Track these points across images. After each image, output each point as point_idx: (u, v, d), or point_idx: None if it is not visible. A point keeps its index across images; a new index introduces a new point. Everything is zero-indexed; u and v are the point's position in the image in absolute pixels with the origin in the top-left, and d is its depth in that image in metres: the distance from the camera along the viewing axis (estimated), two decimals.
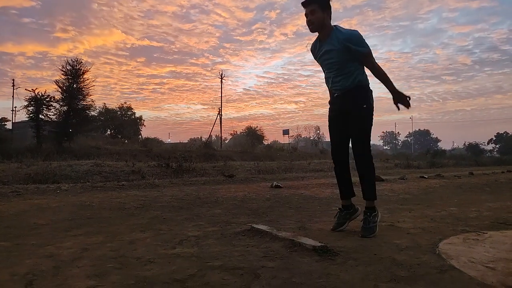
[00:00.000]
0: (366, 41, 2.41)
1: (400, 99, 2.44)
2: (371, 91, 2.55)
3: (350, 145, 2.57)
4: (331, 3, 2.44)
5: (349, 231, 2.57)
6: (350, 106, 2.48)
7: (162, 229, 2.67)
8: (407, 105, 2.42)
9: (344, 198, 2.63)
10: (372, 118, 2.52)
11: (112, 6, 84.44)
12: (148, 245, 2.18)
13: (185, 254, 1.96)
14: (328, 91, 2.66)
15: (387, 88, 2.47)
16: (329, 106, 2.67)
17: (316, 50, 2.58)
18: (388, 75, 2.46)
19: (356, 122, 2.48)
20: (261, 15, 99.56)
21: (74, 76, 20.89)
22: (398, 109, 2.46)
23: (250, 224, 2.71)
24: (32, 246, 2.15)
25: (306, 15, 2.47)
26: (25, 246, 2.15)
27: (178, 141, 40.67)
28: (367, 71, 2.54)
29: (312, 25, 2.45)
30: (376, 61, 2.47)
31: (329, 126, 2.64)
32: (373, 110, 2.51)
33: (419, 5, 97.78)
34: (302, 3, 2.46)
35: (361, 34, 2.40)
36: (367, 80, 2.55)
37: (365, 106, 2.47)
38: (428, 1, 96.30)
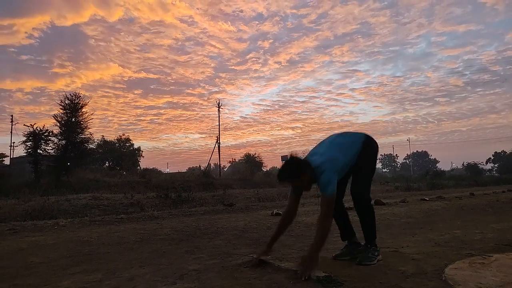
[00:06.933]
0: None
1: (306, 264, 2.09)
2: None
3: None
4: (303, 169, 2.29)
5: (354, 259, 2.52)
6: None
7: (162, 263, 2.61)
8: (303, 274, 2.02)
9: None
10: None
11: (109, 41, 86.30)
12: (147, 281, 2.13)
13: None
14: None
15: (311, 246, 2.22)
16: None
17: None
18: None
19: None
20: (255, 45, 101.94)
21: (72, 110, 21.10)
22: (300, 276, 2.03)
23: (251, 255, 2.67)
24: (29, 287, 2.09)
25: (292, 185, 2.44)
26: (22, 287, 2.10)
27: (177, 171, 40.47)
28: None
29: (306, 188, 2.42)
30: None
31: None
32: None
33: (408, 30, 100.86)
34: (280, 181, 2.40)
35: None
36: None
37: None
38: (416, 26, 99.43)
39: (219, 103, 37.63)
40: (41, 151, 20.89)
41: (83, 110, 21.50)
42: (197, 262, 2.61)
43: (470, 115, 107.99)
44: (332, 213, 2.26)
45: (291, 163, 2.35)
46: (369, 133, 2.63)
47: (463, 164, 53.52)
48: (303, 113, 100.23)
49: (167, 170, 46.79)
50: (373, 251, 2.43)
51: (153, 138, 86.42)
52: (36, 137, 20.58)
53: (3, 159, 38.07)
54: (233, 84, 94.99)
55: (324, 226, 2.23)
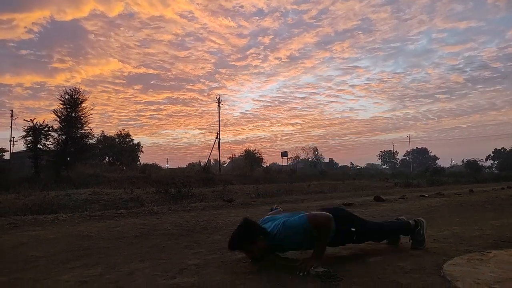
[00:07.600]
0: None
1: (306, 261, 2.12)
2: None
3: None
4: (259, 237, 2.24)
5: (353, 254, 2.53)
6: None
7: (161, 258, 2.62)
8: (302, 269, 2.04)
9: None
10: None
11: (109, 36, 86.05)
12: (147, 275, 2.14)
13: (185, 284, 1.92)
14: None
15: (315, 248, 2.20)
16: None
17: None
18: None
19: None
20: (255, 41, 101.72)
21: (72, 105, 21.04)
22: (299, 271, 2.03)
23: None
24: (29, 281, 2.10)
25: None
26: (22, 281, 2.11)
27: (177, 166, 40.48)
28: None
29: (256, 257, 2.31)
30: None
31: None
32: None
33: (408, 27, 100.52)
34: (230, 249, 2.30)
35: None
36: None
37: None
38: (417, 23, 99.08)
39: (219, 98, 37.59)
40: (41, 146, 20.88)
41: (83, 105, 21.46)
42: (196, 257, 2.62)
43: (471, 112, 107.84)
44: (329, 216, 2.19)
45: (245, 225, 2.30)
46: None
47: (462, 161, 53.67)
48: (303, 109, 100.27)
49: (167, 166, 46.78)
50: (418, 235, 2.65)
51: (153, 134, 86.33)
52: (36, 132, 20.56)
53: (3, 153, 38.11)
54: (233, 80, 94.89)
55: (329, 230, 2.19)
